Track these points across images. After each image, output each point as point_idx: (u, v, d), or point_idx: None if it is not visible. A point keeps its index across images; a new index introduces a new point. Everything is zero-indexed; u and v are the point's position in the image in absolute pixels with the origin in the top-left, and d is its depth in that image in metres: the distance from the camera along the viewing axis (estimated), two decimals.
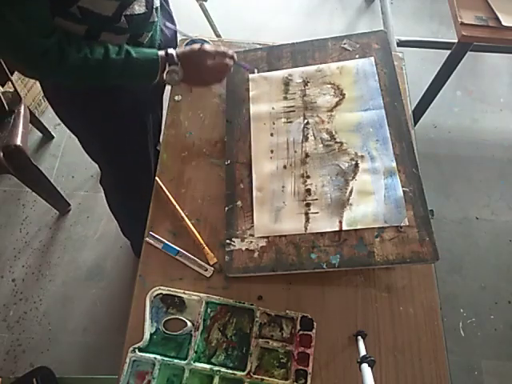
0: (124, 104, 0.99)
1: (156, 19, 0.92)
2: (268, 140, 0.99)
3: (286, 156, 0.97)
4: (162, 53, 0.89)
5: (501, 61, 2.31)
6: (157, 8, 0.91)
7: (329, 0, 2.49)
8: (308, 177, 0.94)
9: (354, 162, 0.94)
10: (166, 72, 0.88)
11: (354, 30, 2.37)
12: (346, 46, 1.09)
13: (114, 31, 0.84)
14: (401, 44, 1.88)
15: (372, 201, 0.90)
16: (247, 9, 2.40)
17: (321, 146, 0.97)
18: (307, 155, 0.96)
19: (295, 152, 0.97)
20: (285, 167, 0.96)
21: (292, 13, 2.44)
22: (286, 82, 1.05)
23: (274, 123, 1.01)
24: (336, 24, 2.40)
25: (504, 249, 1.84)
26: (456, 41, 1.46)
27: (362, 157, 0.94)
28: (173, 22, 1.08)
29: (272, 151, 0.98)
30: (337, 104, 1.01)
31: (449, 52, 1.55)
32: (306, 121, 1.00)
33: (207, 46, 0.92)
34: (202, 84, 1.00)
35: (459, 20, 1.41)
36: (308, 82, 1.04)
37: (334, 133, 0.98)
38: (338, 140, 0.97)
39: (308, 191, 0.93)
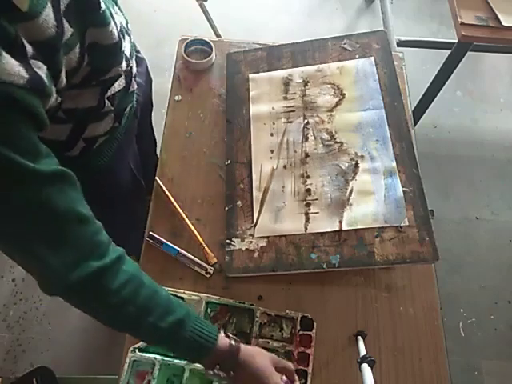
0: (122, 177, 0.98)
1: (135, 87, 0.87)
2: (268, 140, 0.99)
3: (286, 156, 0.97)
4: (223, 341, 0.66)
5: (501, 61, 2.31)
6: (135, 76, 0.86)
7: (329, 0, 2.49)
8: (308, 177, 0.94)
9: (353, 162, 0.94)
10: (213, 371, 0.66)
11: (354, 30, 2.37)
12: (345, 45, 1.09)
13: (100, 118, 0.78)
14: (401, 44, 1.88)
15: (372, 201, 0.90)
16: (247, 9, 2.39)
17: (321, 145, 0.97)
18: (307, 155, 0.96)
19: (295, 152, 0.97)
20: (285, 167, 0.96)
21: (292, 13, 2.43)
22: (286, 82, 1.05)
23: (274, 123, 1.01)
24: (336, 24, 2.40)
25: (504, 249, 1.84)
26: (456, 41, 1.46)
27: (362, 157, 0.94)
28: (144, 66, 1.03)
29: (272, 151, 0.98)
30: (337, 104, 1.01)
31: (449, 52, 1.55)
32: (306, 121, 1.00)
33: (282, 365, 0.70)
34: None
35: (459, 20, 1.40)
36: (308, 82, 1.04)
37: (333, 133, 0.98)
38: (337, 140, 0.97)
39: (308, 191, 0.93)
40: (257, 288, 0.89)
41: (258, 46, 1.14)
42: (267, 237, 0.90)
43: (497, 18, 1.41)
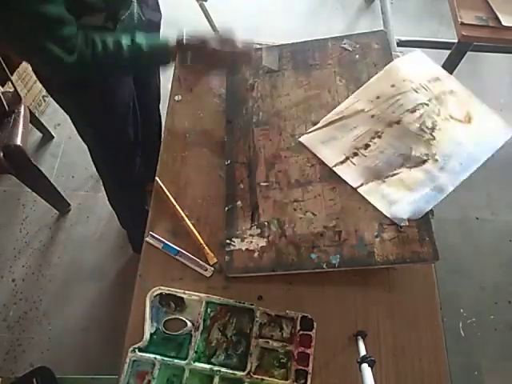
0: (116, 90, 1.08)
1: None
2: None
3: (384, 109, 0.97)
4: (172, 45, 0.90)
5: (501, 61, 2.31)
6: None
7: (329, 0, 2.49)
8: (379, 137, 0.95)
9: (424, 158, 0.92)
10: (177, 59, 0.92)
11: (354, 29, 2.37)
12: (345, 45, 1.09)
13: (91, 12, 0.85)
14: (401, 44, 1.88)
15: (402, 195, 0.89)
16: (247, 9, 2.39)
17: (417, 125, 0.94)
18: (399, 122, 0.95)
19: (393, 113, 0.96)
20: (372, 116, 0.97)
21: (292, 13, 2.43)
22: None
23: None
24: (336, 24, 2.40)
25: (504, 249, 1.84)
26: (456, 41, 1.46)
27: (436, 161, 0.92)
28: (158, 8, 1.12)
29: (378, 97, 0.98)
30: (461, 121, 0.98)
31: (449, 52, 1.55)
32: (428, 100, 0.97)
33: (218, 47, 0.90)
34: (215, 66, 0.99)
35: (459, 20, 1.40)
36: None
37: (436, 128, 0.95)
38: (434, 134, 0.94)
39: (367, 146, 0.94)
40: (257, 288, 0.89)
41: (258, 46, 1.14)
42: (267, 236, 0.90)
43: (497, 18, 1.41)
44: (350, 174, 0.92)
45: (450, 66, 1.58)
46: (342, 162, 0.93)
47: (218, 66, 0.97)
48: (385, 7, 2.03)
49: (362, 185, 0.90)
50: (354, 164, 0.92)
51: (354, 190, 0.91)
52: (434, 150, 0.93)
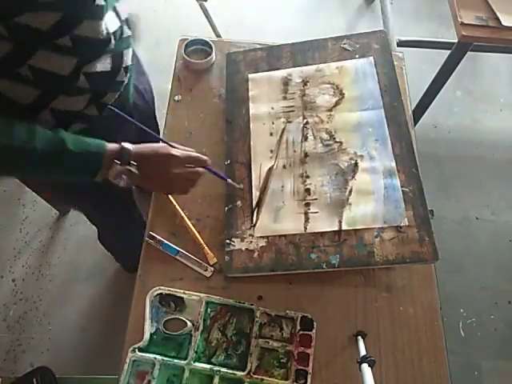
0: None
1: (124, 79, 0.83)
2: (267, 139, 0.99)
3: (285, 155, 0.97)
4: (112, 146, 0.71)
5: (501, 61, 2.31)
6: (127, 67, 0.82)
7: (329, 0, 2.49)
8: (307, 176, 0.94)
9: (353, 162, 0.94)
10: (113, 172, 0.71)
11: (354, 30, 2.37)
12: (345, 45, 1.09)
13: (72, 92, 0.73)
14: (401, 44, 1.88)
15: (371, 201, 0.90)
16: (247, 9, 2.39)
17: (320, 145, 0.97)
18: (306, 155, 0.96)
19: (294, 152, 0.97)
20: (284, 167, 0.96)
21: (292, 13, 2.44)
22: (286, 82, 1.05)
23: (273, 123, 1.01)
24: (336, 24, 2.40)
25: (504, 249, 1.84)
26: (456, 41, 1.46)
27: (362, 156, 0.94)
28: (146, 80, 1.03)
29: (271, 151, 0.98)
30: (336, 104, 1.01)
31: (449, 52, 1.55)
32: (305, 120, 1.00)
33: (175, 152, 0.76)
34: (162, 191, 0.89)
35: (459, 20, 1.40)
36: (307, 81, 1.04)
37: (333, 132, 0.98)
38: (337, 139, 0.97)
39: (307, 191, 0.93)
40: (257, 288, 0.89)
41: (258, 46, 1.14)
42: (267, 237, 0.90)
43: (497, 18, 1.41)
44: (321, 222, 0.89)
45: (449, 66, 1.58)
46: (306, 221, 0.89)
47: (172, 191, 0.84)
48: (385, 7, 2.03)
49: (340, 222, 0.88)
50: (316, 213, 0.90)
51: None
52: (351, 150, 0.95)
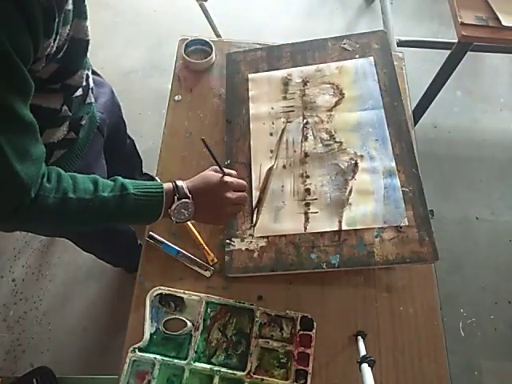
0: None
1: (92, 100, 0.88)
2: (267, 140, 0.99)
3: (285, 156, 0.97)
4: (168, 186, 0.75)
5: (501, 61, 2.31)
6: (92, 88, 0.87)
7: (329, 0, 2.49)
8: (307, 176, 0.94)
9: (353, 162, 0.94)
10: (173, 208, 0.73)
11: (354, 30, 2.37)
12: (345, 45, 1.09)
13: (57, 123, 0.77)
14: (401, 44, 1.88)
15: (371, 201, 0.90)
16: (247, 9, 2.39)
17: (320, 145, 0.97)
18: (306, 155, 0.96)
19: (294, 152, 0.97)
20: (284, 167, 0.96)
21: (292, 13, 2.43)
22: (286, 82, 1.05)
23: (273, 123, 1.01)
24: (336, 24, 2.40)
25: (504, 249, 1.84)
26: (456, 41, 1.46)
27: (362, 156, 0.94)
28: (107, 91, 1.06)
29: (271, 151, 0.98)
30: (336, 104, 1.01)
31: (449, 52, 1.55)
32: (305, 120, 1.00)
33: (228, 178, 0.78)
34: (215, 222, 0.87)
35: (459, 20, 1.40)
36: (307, 81, 1.04)
37: (333, 132, 0.98)
38: (337, 140, 0.97)
39: (307, 191, 0.93)
40: (257, 288, 0.89)
41: (258, 46, 1.14)
42: (267, 237, 0.90)
43: (497, 18, 1.41)
44: (321, 222, 0.89)
45: (449, 66, 1.58)
46: (306, 221, 0.89)
47: (225, 218, 0.84)
48: (385, 7, 2.03)
49: (340, 222, 0.89)
50: (316, 213, 0.90)
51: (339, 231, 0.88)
52: (351, 150, 0.95)
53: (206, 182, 0.78)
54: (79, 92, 0.79)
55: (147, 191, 0.71)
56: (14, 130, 0.56)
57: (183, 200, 0.73)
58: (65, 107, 0.75)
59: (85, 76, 0.79)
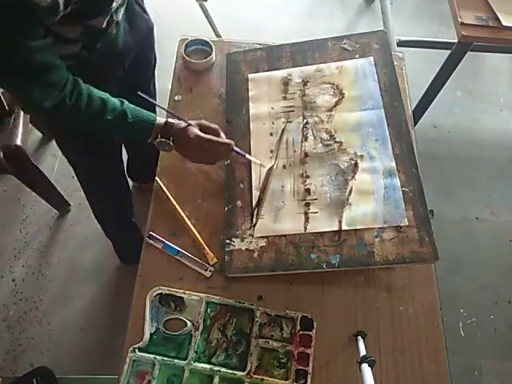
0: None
1: (114, 31, 0.89)
2: (267, 140, 0.99)
3: (285, 156, 0.97)
4: (160, 121, 0.89)
5: (501, 61, 2.31)
6: (117, 22, 0.88)
7: (329, 0, 2.49)
8: (307, 176, 0.94)
9: (353, 162, 0.94)
10: (157, 141, 0.89)
11: (354, 30, 2.37)
12: (345, 45, 1.09)
13: (67, 42, 0.82)
14: (401, 44, 1.88)
15: (371, 201, 0.90)
16: (247, 9, 2.39)
17: (320, 145, 0.97)
18: (306, 155, 0.96)
19: (294, 152, 0.97)
20: (284, 167, 0.96)
21: (292, 13, 2.43)
22: (286, 82, 1.05)
23: (273, 123, 1.01)
24: (336, 24, 2.40)
25: (504, 249, 1.84)
26: (456, 41, 1.46)
27: (362, 156, 0.94)
28: (146, 17, 1.12)
29: (271, 151, 0.98)
30: (336, 104, 1.01)
31: (449, 52, 1.55)
32: (305, 120, 1.00)
33: (203, 135, 0.89)
34: (193, 161, 0.97)
35: (459, 20, 1.40)
36: (307, 81, 1.04)
37: (333, 132, 0.98)
38: (337, 140, 0.97)
39: (307, 191, 0.93)
40: (257, 288, 0.89)
41: (258, 46, 1.14)
42: (267, 237, 0.90)
43: (497, 18, 1.41)
44: (321, 222, 0.89)
45: (449, 66, 1.58)
46: (306, 221, 0.89)
47: (201, 156, 0.93)
48: (385, 7, 2.03)
49: (340, 222, 0.88)
50: (316, 213, 0.90)
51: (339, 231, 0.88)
52: (351, 150, 0.95)
53: (187, 135, 0.89)
54: (100, 25, 0.82)
55: (141, 121, 0.87)
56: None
57: (163, 139, 0.88)
58: (81, 36, 0.81)
59: (109, 17, 0.83)
